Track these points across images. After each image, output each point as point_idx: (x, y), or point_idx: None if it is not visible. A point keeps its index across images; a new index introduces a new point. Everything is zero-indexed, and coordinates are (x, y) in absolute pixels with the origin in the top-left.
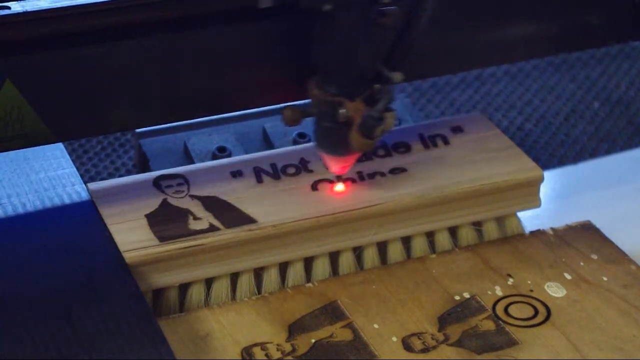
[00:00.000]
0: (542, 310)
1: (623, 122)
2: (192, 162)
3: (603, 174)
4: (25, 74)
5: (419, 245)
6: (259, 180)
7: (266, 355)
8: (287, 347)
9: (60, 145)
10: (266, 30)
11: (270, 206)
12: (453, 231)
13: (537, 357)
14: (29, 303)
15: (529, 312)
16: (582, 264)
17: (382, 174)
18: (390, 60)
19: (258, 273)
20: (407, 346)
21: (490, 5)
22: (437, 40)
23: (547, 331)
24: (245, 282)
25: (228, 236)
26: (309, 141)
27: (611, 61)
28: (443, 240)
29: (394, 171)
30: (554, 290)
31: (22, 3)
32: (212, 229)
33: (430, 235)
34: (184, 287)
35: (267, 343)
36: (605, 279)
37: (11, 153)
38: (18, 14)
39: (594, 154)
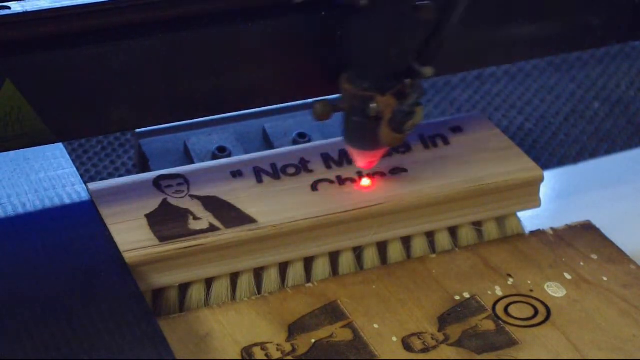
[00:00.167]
0: (542, 310)
1: (623, 122)
2: (192, 162)
3: (603, 174)
4: (25, 74)
5: (419, 245)
6: (259, 180)
7: (266, 355)
8: (287, 347)
9: (60, 145)
10: (267, 29)
11: (270, 206)
12: (453, 231)
13: (537, 357)
14: (29, 303)
15: (529, 312)
16: (582, 264)
17: (382, 174)
18: (422, 55)
19: (258, 273)
20: (407, 346)
21: (490, 5)
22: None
23: (547, 331)
24: (245, 282)
25: (228, 236)
26: (308, 141)
27: (611, 61)
28: (443, 240)
29: (394, 171)
30: (554, 290)
31: (22, 3)
32: (212, 229)
33: (430, 235)
34: (184, 287)
35: (267, 343)
36: (605, 279)
37: (11, 153)
38: (18, 14)
39: (594, 154)
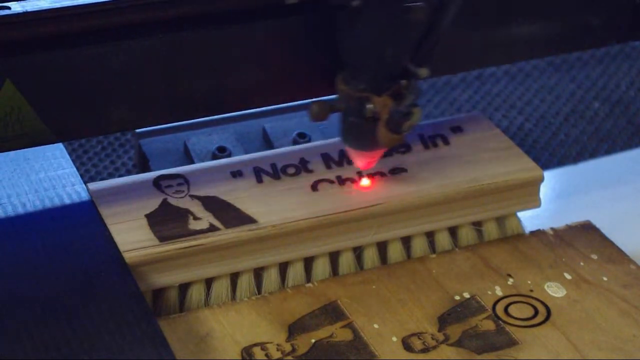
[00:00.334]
0: (542, 310)
1: (623, 122)
2: (192, 162)
3: (603, 174)
4: (25, 74)
5: (419, 245)
6: (259, 180)
7: (266, 355)
8: (287, 347)
9: (60, 145)
10: (267, 30)
11: (270, 206)
12: (453, 231)
13: (537, 357)
14: (29, 303)
15: (529, 312)
16: (582, 264)
17: (382, 174)
18: (417, 56)
19: (258, 273)
20: (407, 346)
21: (490, 5)
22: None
23: (547, 331)
24: (245, 282)
25: (228, 236)
26: (308, 141)
27: (611, 61)
28: (443, 240)
29: (394, 171)
30: (554, 290)
31: (22, 3)
32: (212, 229)
33: (430, 235)
34: (184, 287)
35: (267, 343)
36: (605, 279)
37: (11, 153)
38: (18, 14)
39: (594, 154)
